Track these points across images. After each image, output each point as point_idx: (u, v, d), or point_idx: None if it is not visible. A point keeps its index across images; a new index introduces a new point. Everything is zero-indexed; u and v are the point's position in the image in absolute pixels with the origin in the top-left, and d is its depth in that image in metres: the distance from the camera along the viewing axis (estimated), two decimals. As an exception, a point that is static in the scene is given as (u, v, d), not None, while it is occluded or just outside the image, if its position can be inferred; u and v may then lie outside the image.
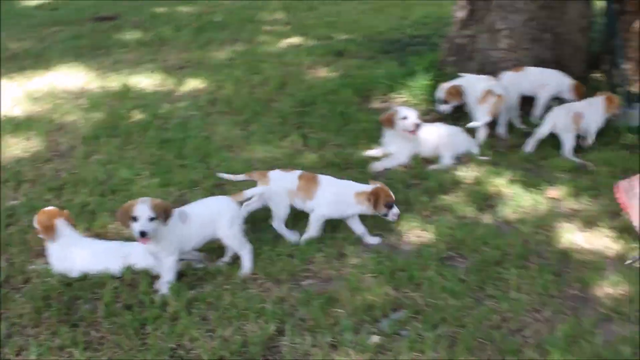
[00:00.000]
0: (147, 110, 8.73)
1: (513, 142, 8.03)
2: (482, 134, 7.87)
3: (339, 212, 5.89)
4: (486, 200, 6.64)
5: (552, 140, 7.74)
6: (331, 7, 16.33)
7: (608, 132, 7.99)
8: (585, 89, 8.42)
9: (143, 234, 4.93)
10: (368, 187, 5.84)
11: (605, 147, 7.79)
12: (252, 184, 5.95)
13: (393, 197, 5.82)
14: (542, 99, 8.50)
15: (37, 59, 11.43)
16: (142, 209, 4.95)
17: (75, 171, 7.08)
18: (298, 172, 6.01)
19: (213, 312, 4.88)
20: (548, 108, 8.24)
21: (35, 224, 5.41)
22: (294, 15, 15.37)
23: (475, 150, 7.60)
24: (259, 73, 10.32)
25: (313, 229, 5.87)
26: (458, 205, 6.50)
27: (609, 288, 5.28)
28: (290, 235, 5.86)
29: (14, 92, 9.61)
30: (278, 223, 5.89)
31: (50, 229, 5.34)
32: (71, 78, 10.13)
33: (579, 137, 7.82)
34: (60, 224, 5.38)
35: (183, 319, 4.77)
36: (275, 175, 5.94)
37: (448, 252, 5.73)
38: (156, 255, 5.17)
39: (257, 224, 6.00)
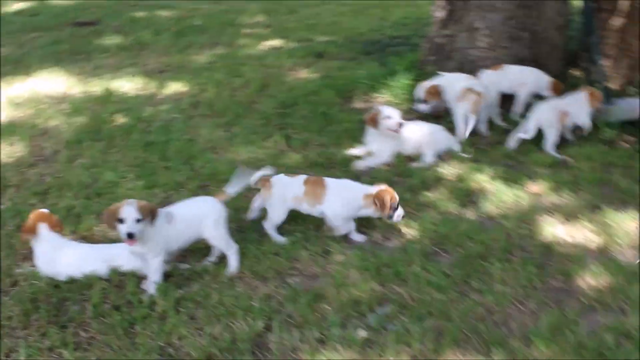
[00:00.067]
0: (130, 114, 8.74)
1: (494, 139, 8.10)
2: (463, 132, 7.94)
3: (351, 213, 5.93)
4: (469, 197, 6.71)
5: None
6: (311, 9, 16.41)
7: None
8: (563, 86, 8.53)
9: (130, 236, 4.94)
10: (374, 189, 5.89)
11: (585, 143, 7.89)
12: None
13: (397, 198, 5.87)
14: (521, 96, 8.60)
15: (17, 65, 11.37)
16: (129, 210, 4.95)
17: (59, 175, 7.07)
18: (303, 177, 6.02)
19: (201, 310, 4.92)
20: (528, 106, 8.34)
21: None
22: (274, 18, 15.42)
23: (456, 147, 7.66)
24: (240, 76, 10.35)
25: (338, 230, 5.94)
26: (441, 202, 6.56)
27: (591, 279, 5.36)
28: (278, 238, 5.88)
29: (-5, 98, 9.59)
30: (270, 226, 5.92)
31: (32, 231, 5.37)
32: (52, 83, 10.11)
33: (564, 133, 7.91)
34: (42, 227, 5.39)
35: (171, 318, 4.80)
36: (279, 180, 5.97)
37: (432, 248, 5.79)
38: (142, 257, 5.19)
39: (242, 223, 6.03)
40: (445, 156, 7.54)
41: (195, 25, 14.51)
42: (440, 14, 9.51)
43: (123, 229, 4.94)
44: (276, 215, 5.91)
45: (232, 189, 5.67)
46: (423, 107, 8.25)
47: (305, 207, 5.96)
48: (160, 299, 4.97)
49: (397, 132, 7.25)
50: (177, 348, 4.56)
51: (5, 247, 5.78)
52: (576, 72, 9.69)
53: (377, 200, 5.77)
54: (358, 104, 9.19)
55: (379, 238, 6.00)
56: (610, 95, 8.47)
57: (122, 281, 5.20)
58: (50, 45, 12.83)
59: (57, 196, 6.60)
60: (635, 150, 7.77)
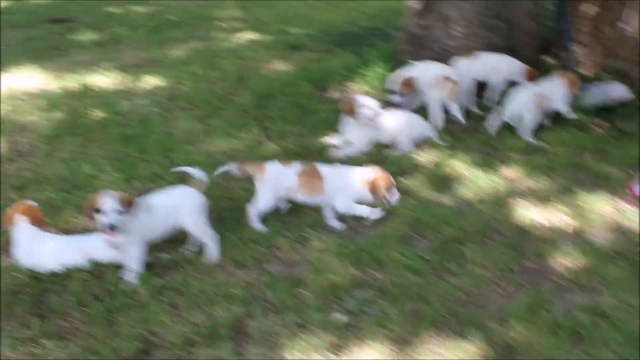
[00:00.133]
0: (107, 109, 8.72)
1: (469, 126, 8.17)
2: (439, 119, 8.02)
3: (355, 197, 6.00)
4: (445, 183, 6.79)
5: (507, 123, 7.89)
6: (286, 2, 16.40)
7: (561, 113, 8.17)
8: (537, 73, 8.61)
9: (112, 227, 4.96)
10: (370, 173, 5.93)
11: (559, 128, 7.98)
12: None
13: (393, 181, 5.92)
14: (495, 84, 8.68)
15: (-7, 62, 11.35)
16: (109, 202, 4.97)
17: (38, 170, 7.06)
18: (297, 167, 6.06)
19: (182, 298, 4.96)
20: (503, 93, 8.43)
21: None
22: (250, 12, 15.40)
23: (432, 135, 7.73)
24: (217, 69, 10.36)
25: (359, 212, 6.02)
26: (418, 188, 6.63)
27: (566, 261, 5.46)
28: (258, 226, 5.92)
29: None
30: (254, 211, 5.95)
31: (9, 221, 5.41)
32: (29, 79, 10.07)
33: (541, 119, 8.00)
34: (20, 219, 5.41)
35: (153, 306, 4.85)
36: (272, 168, 6.01)
37: (410, 233, 5.85)
38: (122, 247, 5.21)
39: (220, 212, 6.07)
40: (421, 144, 7.60)
41: (170, 21, 14.49)
42: (416, 4, 9.56)
43: (103, 219, 4.96)
44: (263, 203, 5.95)
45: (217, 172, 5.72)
46: (397, 99, 8.28)
47: (300, 197, 6.02)
48: (141, 288, 5.01)
49: (374, 121, 7.31)
50: (158, 335, 4.60)
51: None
52: (550, 60, 9.79)
53: (374, 185, 5.82)
54: (334, 95, 9.23)
55: (356, 225, 6.05)
56: (583, 81, 8.57)
57: (102, 272, 5.22)
58: (25, 42, 12.75)
59: (37, 190, 6.59)
60: (608, 134, 7.87)
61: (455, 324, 4.70)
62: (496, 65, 8.68)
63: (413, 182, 6.74)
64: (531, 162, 7.19)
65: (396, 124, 7.54)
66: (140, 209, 5.18)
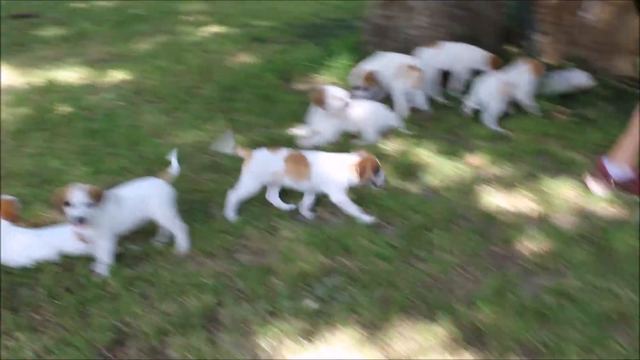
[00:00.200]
0: (73, 103, 8.70)
1: (434, 115, 8.27)
2: (403, 108, 8.10)
3: (344, 183, 6.00)
4: (412, 171, 6.85)
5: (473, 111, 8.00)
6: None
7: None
8: (501, 61, 8.72)
9: (81, 220, 4.97)
10: (355, 158, 5.97)
11: (522, 115, 8.12)
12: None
13: (379, 163, 5.98)
14: (459, 72, 8.79)
15: (-44, 60, 11.26)
16: (78, 195, 4.96)
17: (5, 165, 7.02)
18: (284, 153, 6.05)
19: (153, 289, 4.97)
20: (467, 82, 8.54)
21: None
22: (215, 6, 15.43)
23: (398, 124, 7.80)
24: (182, 62, 10.37)
25: (352, 210, 5.98)
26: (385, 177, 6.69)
27: (531, 245, 5.55)
28: (231, 214, 5.95)
29: None
30: (234, 196, 5.97)
31: None
32: (-6, 76, 10.05)
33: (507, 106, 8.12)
34: None
35: (124, 297, 4.85)
36: (259, 155, 6.02)
37: (378, 221, 5.90)
38: (91, 240, 5.22)
39: (190, 204, 6.10)
40: (387, 133, 7.68)
41: (136, 15, 14.45)
42: (379, -5, 9.64)
43: (73, 212, 4.95)
44: (245, 189, 5.97)
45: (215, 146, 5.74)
46: (362, 94, 8.31)
47: (287, 182, 6.04)
48: (112, 280, 5.01)
49: (343, 111, 7.36)
50: (131, 326, 4.62)
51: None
52: (513, 49, 9.91)
53: (359, 167, 5.87)
54: (299, 86, 9.29)
55: (325, 214, 6.11)
56: (546, 70, 8.68)
57: (72, 264, 5.22)
58: (-12, 39, 12.70)
59: (5, 185, 6.56)
60: (570, 121, 8.00)
61: (424, 309, 4.76)
62: (460, 55, 8.79)
63: (380, 171, 6.80)
64: (496, 150, 7.29)
65: (362, 114, 7.60)
66: (109, 202, 5.19)
